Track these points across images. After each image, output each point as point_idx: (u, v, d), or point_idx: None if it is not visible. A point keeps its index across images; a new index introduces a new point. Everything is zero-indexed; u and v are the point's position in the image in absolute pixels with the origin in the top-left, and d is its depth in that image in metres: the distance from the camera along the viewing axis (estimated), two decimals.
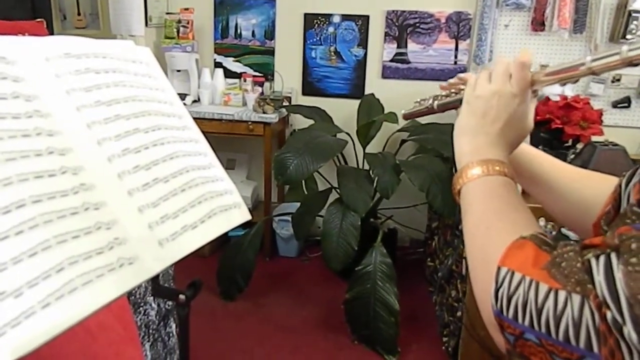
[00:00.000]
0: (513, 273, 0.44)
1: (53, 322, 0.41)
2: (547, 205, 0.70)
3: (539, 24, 2.75)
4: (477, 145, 0.58)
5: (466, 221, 0.55)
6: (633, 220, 0.46)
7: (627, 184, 0.57)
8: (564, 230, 1.57)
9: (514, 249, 0.46)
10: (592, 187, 0.65)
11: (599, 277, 0.39)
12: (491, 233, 0.50)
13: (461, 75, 0.72)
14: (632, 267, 0.37)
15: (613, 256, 0.39)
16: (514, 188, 0.55)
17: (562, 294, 0.40)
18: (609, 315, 0.37)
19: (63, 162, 0.49)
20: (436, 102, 0.72)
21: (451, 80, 0.73)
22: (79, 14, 3.14)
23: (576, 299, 0.39)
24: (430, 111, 0.74)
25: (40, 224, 0.44)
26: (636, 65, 0.51)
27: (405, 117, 0.81)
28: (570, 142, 1.91)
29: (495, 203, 0.53)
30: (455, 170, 0.59)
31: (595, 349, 0.38)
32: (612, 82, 2.76)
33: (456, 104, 0.69)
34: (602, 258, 0.40)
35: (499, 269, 0.45)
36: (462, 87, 0.70)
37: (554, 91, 2.49)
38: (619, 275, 0.38)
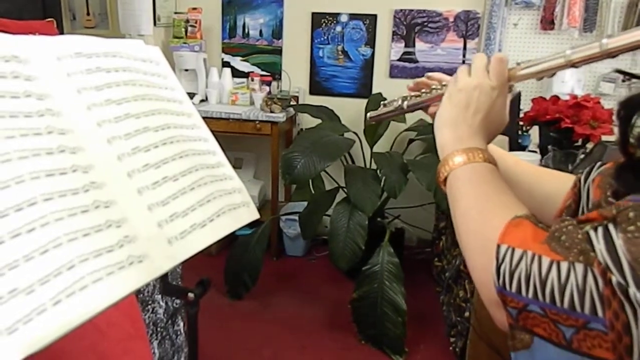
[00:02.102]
0: (513, 249, 0.46)
1: (64, 319, 0.41)
2: None
3: (548, 23, 2.73)
4: (460, 135, 0.60)
5: (457, 207, 0.57)
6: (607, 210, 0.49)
7: (585, 180, 0.62)
8: None
9: (511, 227, 0.48)
10: (553, 183, 0.68)
11: (600, 245, 0.41)
12: (485, 216, 0.52)
13: (430, 74, 0.74)
14: (632, 234, 0.40)
15: (611, 226, 0.42)
16: (498, 173, 0.58)
17: (564, 265, 0.42)
18: (613, 279, 0.40)
19: (74, 161, 0.50)
20: (406, 103, 0.74)
21: (418, 80, 0.76)
22: (88, 14, 3.17)
23: (579, 267, 0.42)
24: (399, 112, 0.75)
25: (51, 222, 0.44)
26: (614, 56, 0.53)
27: (372, 119, 0.81)
28: (580, 142, 1.89)
29: (484, 187, 0.55)
30: (439, 160, 0.61)
31: (600, 313, 0.40)
32: (623, 81, 2.73)
33: (427, 102, 0.72)
34: (600, 229, 0.42)
35: (498, 246, 0.47)
36: (434, 85, 0.72)
37: (564, 90, 2.47)
38: (619, 242, 0.40)
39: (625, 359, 0.40)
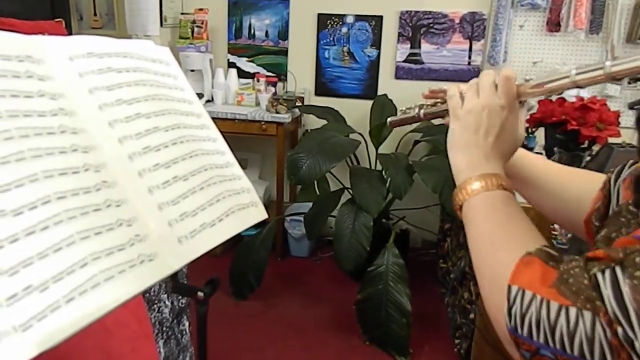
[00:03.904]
0: (524, 291, 0.45)
1: (77, 316, 0.42)
2: (538, 205, 0.72)
3: (554, 25, 2.72)
4: (473, 160, 0.59)
5: (470, 236, 0.56)
6: (628, 220, 0.49)
7: (615, 180, 0.60)
8: None
9: (521, 266, 0.47)
10: (581, 184, 0.67)
11: (607, 291, 0.40)
12: (497, 249, 0.51)
13: (444, 87, 0.73)
14: (638, 281, 0.39)
15: (618, 270, 0.41)
16: (513, 200, 0.56)
17: (572, 311, 0.41)
18: (619, 330, 0.39)
19: (86, 160, 0.50)
20: (422, 111, 0.74)
21: (434, 89, 0.74)
22: (95, 15, 3.18)
23: (587, 315, 0.41)
24: (416, 119, 0.76)
25: (64, 220, 0.45)
26: (619, 80, 0.54)
27: (392, 124, 0.82)
28: (586, 144, 1.89)
29: (497, 216, 0.54)
30: (454, 186, 0.60)
31: None
32: (629, 83, 2.72)
33: (442, 113, 0.71)
34: (607, 272, 0.41)
35: (509, 287, 0.46)
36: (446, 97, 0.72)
37: (570, 92, 2.47)
38: (625, 289, 0.39)
39: None
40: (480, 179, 0.57)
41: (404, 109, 0.78)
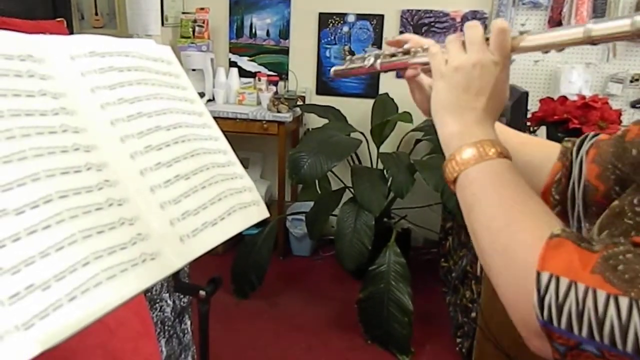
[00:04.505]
0: (558, 278, 0.40)
1: (80, 315, 0.42)
2: None
3: (556, 23, 2.72)
4: (465, 124, 0.52)
5: (474, 216, 0.49)
6: (637, 222, 0.44)
7: (577, 153, 0.56)
8: None
9: (551, 250, 0.41)
10: (536, 152, 0.62)
11: None
12: (513, 229, 0.45)
13: (410, 36, 0.65)
14: None
15: None
16: (516, 171, 0.50)
17: (624, 301, 0.37)
18: None
19: (88, 159, 0.50)
20: (379, 61, 0.64)
21: (399, 37, 0.66)
22: (96, 14, 3.19)
23: None
24: (369, 70, 0.66)
25: (66, 219, 0.45)
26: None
27: (336, 74, 0.70)
28: None
29: (506, 191, 0.48)
30: (443, 154, 0.54)
31: None
32: (631, 81, 2.71)
33: (403, 65, 0.63)
34: None
35: (539, 274, 0.41)
36: (414, 49, 0.63)
37: (572, 91, 2.46)
38: None
39: None
40: (476, 145, 0.50)
41: (351, 57, 0.68)
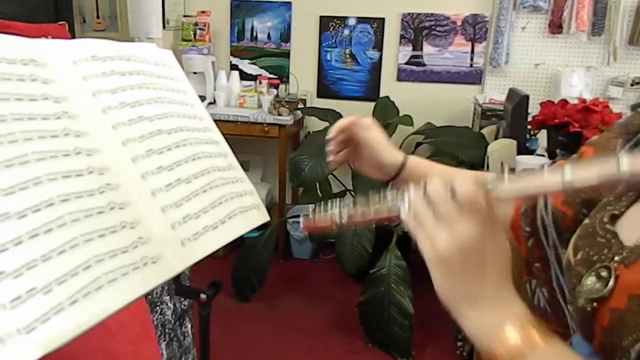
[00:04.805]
0: None
1: (81, 319, 0.42)
2: None
3: (556, 27, 2.72)
4: (485, 309, 0.46)
5: None
6: (609, 240, 0.43)
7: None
8: None
9: None
10: None
11: None
12: None
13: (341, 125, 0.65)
14: None
15: None
16: (571, 352, 0.44)
17: None
18: None
19: (90, 163, 0.50)
20: (345, 215, 0.56)
21: (339, 129, 0.69)
22: (98, 17, 3.20)
23: None
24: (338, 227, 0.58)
25: (68, 223, 0.45)
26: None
27: (305, 228, 0.60)
28: None
29: None
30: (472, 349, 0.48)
31: None
32: (632, 85, 2.72)
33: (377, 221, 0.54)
34: None
35: None
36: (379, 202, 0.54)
37: (573, 94, 2.46)
38: None
39: None
40: (519, 331, 0.43)
41: (319, 208, 0.59)
